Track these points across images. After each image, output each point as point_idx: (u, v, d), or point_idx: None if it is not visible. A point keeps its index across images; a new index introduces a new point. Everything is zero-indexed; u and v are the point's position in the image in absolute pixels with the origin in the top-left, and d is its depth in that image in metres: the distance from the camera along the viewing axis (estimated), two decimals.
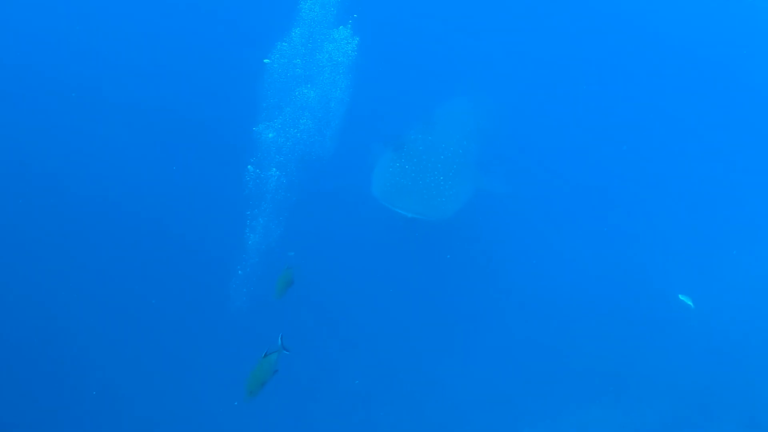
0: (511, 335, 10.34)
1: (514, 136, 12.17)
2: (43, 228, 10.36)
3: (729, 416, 9.91)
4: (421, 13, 14.15)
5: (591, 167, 12.68)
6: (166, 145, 11.21)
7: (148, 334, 9.73)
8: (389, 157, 9.83)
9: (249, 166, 9.23)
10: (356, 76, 9.85)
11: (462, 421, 9.61)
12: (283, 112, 9.44)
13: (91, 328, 9.69)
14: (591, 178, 12.54)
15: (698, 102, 13.98)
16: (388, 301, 10.36)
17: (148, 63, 12.23)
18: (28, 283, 9.83)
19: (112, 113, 11.42)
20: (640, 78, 14.54)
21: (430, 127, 10.37)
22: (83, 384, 9.32)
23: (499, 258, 11.11)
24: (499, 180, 10.60)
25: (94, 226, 10.51)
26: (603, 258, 11.46)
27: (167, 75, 12.02)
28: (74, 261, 10.18)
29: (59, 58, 12.20)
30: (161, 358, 9.61)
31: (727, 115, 14.17)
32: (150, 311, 9.92)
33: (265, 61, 9.25)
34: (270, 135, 9.32)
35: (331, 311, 10.12)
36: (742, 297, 11.40)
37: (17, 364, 9.16)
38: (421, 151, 9.81)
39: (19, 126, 11.26)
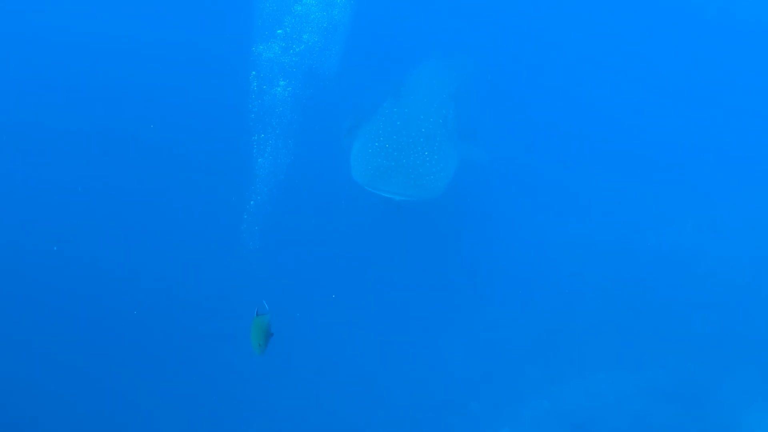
0: (510, 303, 9.93)
1: (492, 98, 11.20)
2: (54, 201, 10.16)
3: (747, 369, 9.35)
4: None
5: (575, 121, 11.72)
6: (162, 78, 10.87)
7: (157, 284, 9.50)
8: (363, 136, 8.98)
9: (252, 79, 8.76)
10: None
11: (466, 393, 9.30)
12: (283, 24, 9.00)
13: (100, 270, 9.58)
14: (577, 132, 11.62)
15: (685, 54, 13.11)
16: (388, 278, 9.92)
17: None
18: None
19: (107, 42, 11.11)
20: (627, 30, 13.66)
21: (404, 98, 9.40)
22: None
23: (495, 227, 10.55)
24: (482, 147, 9.81)
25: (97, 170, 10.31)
26: (601, 215, 10.86)
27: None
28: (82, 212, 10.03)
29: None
30: (171, 313, 9.35)
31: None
32: (158, 261, 9.60)
33: None
34: (272, 53, 8.88)
35: (331, 297, 9.70)
36: (752, 239, 10.73)
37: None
38: (399, 126, 8.87)
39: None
